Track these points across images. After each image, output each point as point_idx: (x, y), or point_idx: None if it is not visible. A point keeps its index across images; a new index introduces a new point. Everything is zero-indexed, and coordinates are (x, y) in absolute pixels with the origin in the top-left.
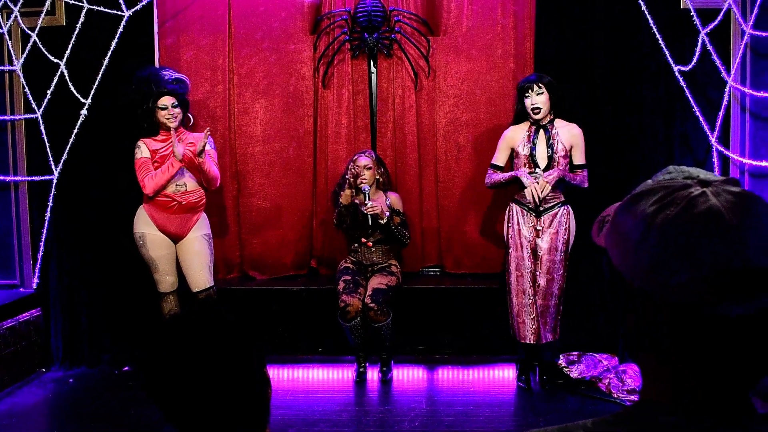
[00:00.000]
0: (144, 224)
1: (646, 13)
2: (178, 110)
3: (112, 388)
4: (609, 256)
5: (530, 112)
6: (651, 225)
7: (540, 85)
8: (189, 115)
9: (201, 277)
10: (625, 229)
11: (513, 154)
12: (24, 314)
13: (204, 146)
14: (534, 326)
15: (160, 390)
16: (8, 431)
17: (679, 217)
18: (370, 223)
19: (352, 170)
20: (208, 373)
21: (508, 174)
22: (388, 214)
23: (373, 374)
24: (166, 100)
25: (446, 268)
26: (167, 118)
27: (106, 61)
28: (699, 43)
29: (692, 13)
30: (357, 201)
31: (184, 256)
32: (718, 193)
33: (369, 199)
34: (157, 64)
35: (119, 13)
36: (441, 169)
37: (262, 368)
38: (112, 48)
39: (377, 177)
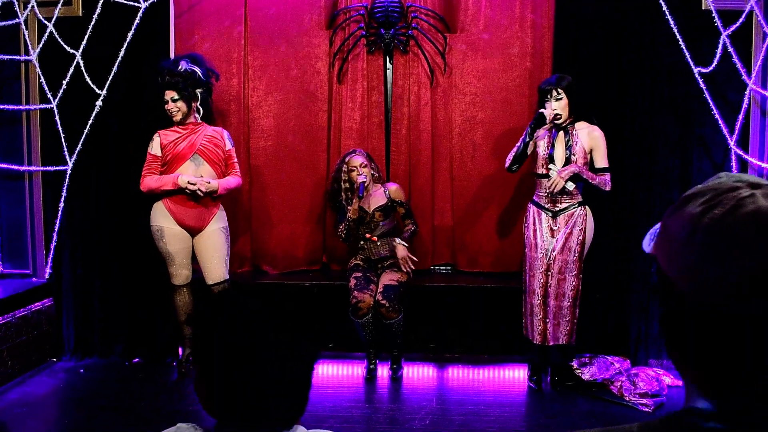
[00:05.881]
0: (162, 217)
1: (667, 13)
2: (178, 105)
3: (123, 379)
4: (658, 261)
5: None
6: (697, 225)
7: (559, 90)
8: (196, 105)
9: (217, 270)
10: (673, 231)
11: (532, 154)
12: (36, 304)
13: (214, 191)
14: (541, 327)
15: (204, 377)
16: (19, 420)
17: (726, 217)
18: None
19: (346, 171)
20: (250, 360)
21: (520, 141)
22: (406, 245)
23: (383, 371)
24: (167, 94)
25: (459, 266)
26: (169, 112)
27: (121, 53)
28: (720, 45)
29: (714, 14)
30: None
31: (202, 249)
32: (767, 195)
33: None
34: (172, 56)
35: (136, 4)
36: (456, 168)
37: (306, 356)
38: (128, 39)
39: (372, 172)
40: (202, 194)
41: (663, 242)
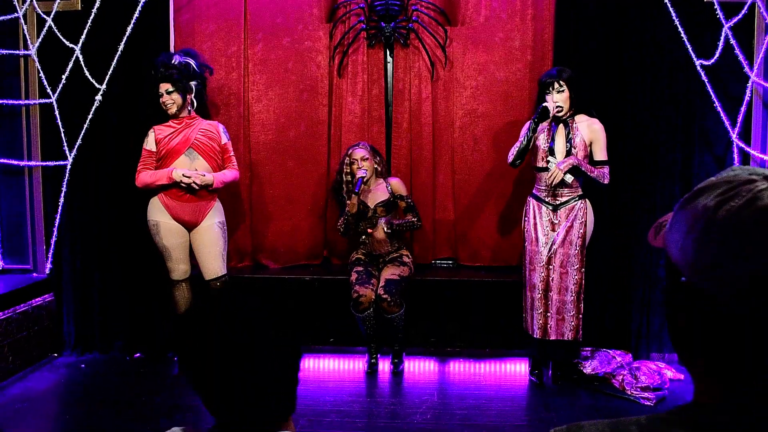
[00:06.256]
0: (158, 212)
1: (669, 5)
2: (173, 97)
3: (123, 374)
4: (667, 255)
5: (551, 109)
6: (712, 219)
7: (561, 82)
8: (190, 98)
9: (214, 266)
10: (685, 225)
11: (533, 147)
12: (37, 299)
13: (209, 184)
14: (541, 321)
15: (197, 374)
16: (20, 415)
17: (743, 211)
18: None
19: (348, 164)
20: (242, 357)
21: (522, 134)
22: (387, 229)
23: (384, 366)
24: (162, 87)
25: (460, 260)
26: (164, 105)
27: (121, 47)
28: (722, 37)
29: (716, 6)
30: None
31: (198, 244)
32: None
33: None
34: (172, 50)
35: None
36: (458, 161)
37: (293, 353)
38: (127, 33)
39: (375, 166)
40: (197, 187)
41: (674, 235)
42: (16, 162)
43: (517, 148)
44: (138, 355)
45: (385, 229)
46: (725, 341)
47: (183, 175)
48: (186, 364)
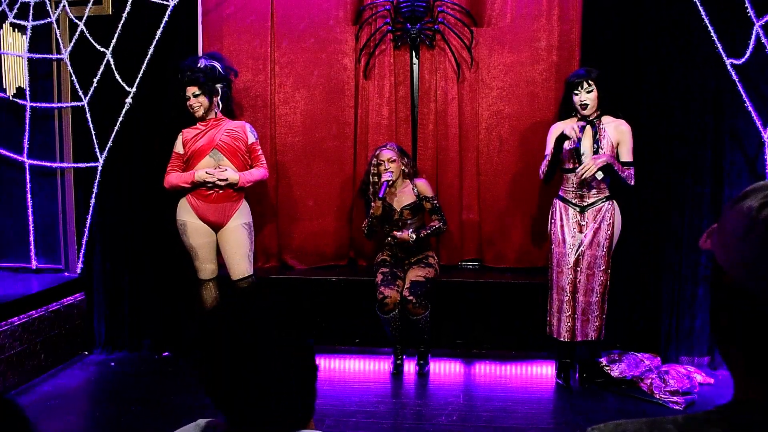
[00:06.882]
0: (185, 213)
1: (698, 3)
2: (200, 100)
3: (152, 372)
4: (714, 254)
5: (578, 107)
6: (756, 219)
7: (590, 81)
8: (216, 100)
9: (240, 266)
10: (731, 225)
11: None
12: (68, 298)
13: (236, 183)
14: (569, 324)
15: (210, 375)
16: (52, 411)
17: None
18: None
19: (375, 165)
20: (255, 358)
21: (550, 148)
22: (413, 237)
23: (409, 367)
24: (188, 90)
25: (486, 261)
26: (191, 108)
27: (150, 50)
28: (753, 36)
29: (746, 3)
30: (397, 235)
31: (225, 244)
32: None
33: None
34: (200, 53)
35: (164, 2)
36: (483, 162)
37: (309, 355)
38: (156, 37)
39: (402, 167)
40: (222, 184)
41: (720, 236)
42: (48, 164)
43: (545, 169)
44: (166, 353)
45: (411, 241)
46: (766, 341)
47: (206, 172)
48: (201, 361)
